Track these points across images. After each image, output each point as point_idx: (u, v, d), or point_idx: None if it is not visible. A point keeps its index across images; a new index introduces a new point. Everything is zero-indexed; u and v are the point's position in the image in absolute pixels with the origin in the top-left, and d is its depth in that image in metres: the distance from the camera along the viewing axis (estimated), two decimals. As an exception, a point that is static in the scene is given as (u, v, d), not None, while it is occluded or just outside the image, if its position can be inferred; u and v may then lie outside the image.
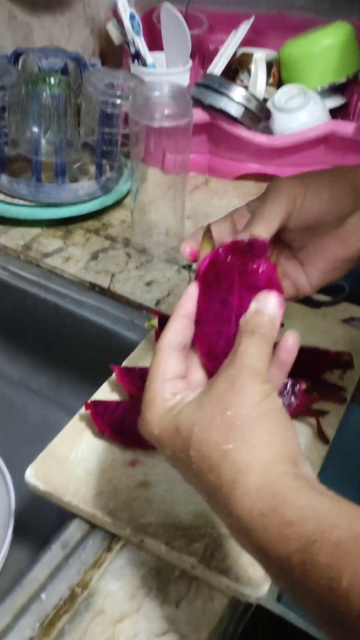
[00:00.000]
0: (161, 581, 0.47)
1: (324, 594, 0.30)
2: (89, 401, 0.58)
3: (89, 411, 0.57)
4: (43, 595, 0.46)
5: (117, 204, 0.93)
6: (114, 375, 0.62)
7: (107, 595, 0.46)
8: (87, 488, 0.52)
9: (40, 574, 0.47)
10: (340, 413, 0.60)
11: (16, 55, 0.90)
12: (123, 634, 0.44)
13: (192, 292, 0.41)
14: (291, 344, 0.40)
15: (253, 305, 0.39)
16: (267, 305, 0.38)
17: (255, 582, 0.46)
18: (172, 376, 0.39)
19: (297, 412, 0.58)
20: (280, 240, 0.48)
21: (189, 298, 0.41)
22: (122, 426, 0.56)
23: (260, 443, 0.35)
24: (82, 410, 0.58)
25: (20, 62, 0.92)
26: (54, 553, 0.49)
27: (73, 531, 0.50)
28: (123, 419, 0.56)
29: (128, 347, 0.67)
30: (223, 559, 0.47)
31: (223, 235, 0.46)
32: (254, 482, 0.34)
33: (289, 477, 0.34)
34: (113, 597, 0.46)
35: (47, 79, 0.82)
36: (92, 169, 0.93)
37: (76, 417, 0.58)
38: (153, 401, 0.38)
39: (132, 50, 1.01)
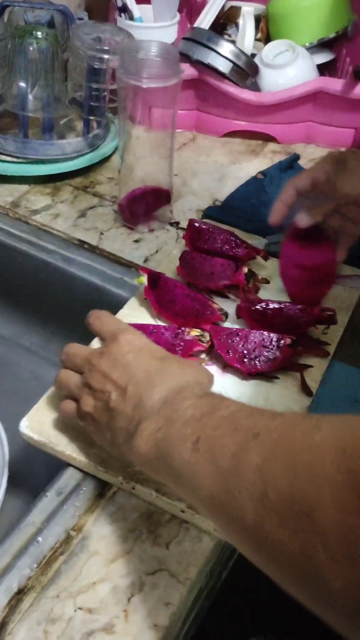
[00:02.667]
0: (152, 524, 0.50)
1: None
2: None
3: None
4: (40, 538, 0.48)
5: (105, 161, 0.92)
6: (104, 330, 0.63)
7: (100, 538, 0.49)
8: (80, 439, 0.54)
9: (36, 518, 0.50)
10: (323, 367, 0.62)
11: (2, 8, 0.88)
12: (116, 572, 0.47)
13: None
14: None
15: None
16: None
17: (241, 524, 0.49)
18: None
19: (281, 366, 0.60)
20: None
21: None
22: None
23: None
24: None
25: (5, 15, 0.90)
26: (49, 499, 0.51)
27: (67, 479, 0.53)
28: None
29: (117, 304, 0.68)
30: (210, 503, 0.50)
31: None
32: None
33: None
34: (106, 540, 0.49)
35: (34, 32, 0.81)
36: (80, 125, 0.92)
37: (68, 371, 0.59)
38: None
39: (119, 3, 0.99)
